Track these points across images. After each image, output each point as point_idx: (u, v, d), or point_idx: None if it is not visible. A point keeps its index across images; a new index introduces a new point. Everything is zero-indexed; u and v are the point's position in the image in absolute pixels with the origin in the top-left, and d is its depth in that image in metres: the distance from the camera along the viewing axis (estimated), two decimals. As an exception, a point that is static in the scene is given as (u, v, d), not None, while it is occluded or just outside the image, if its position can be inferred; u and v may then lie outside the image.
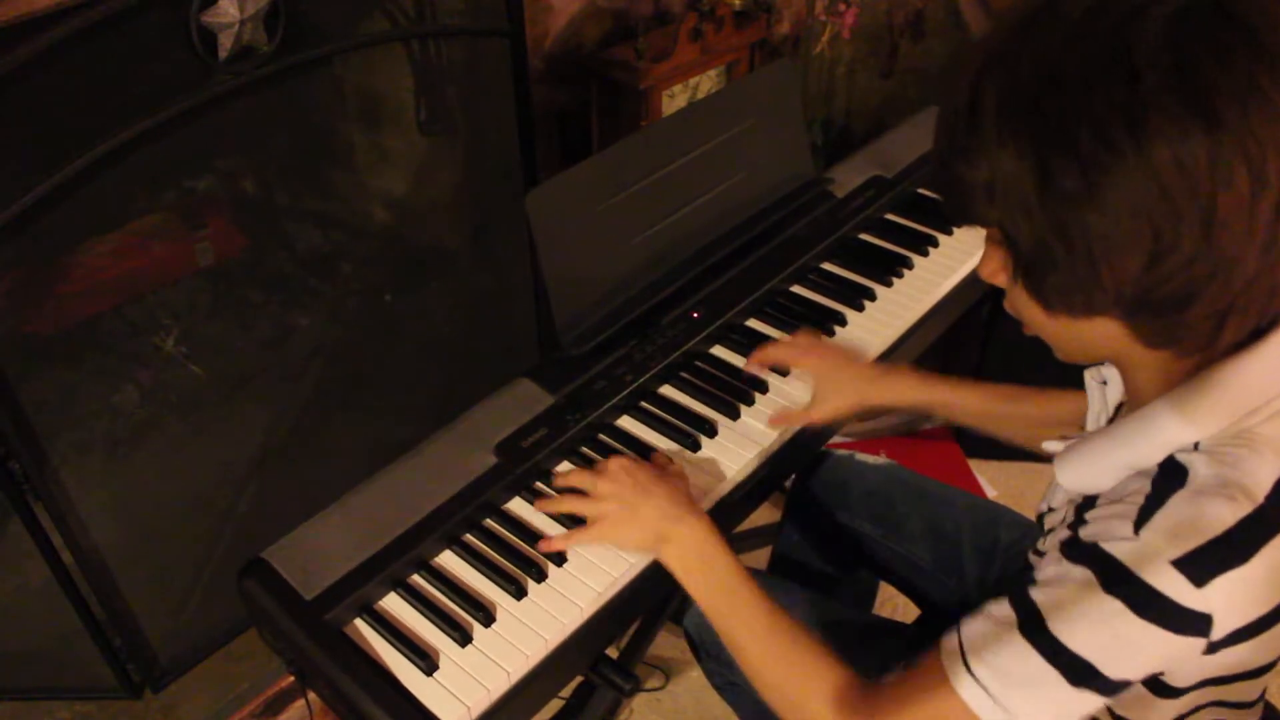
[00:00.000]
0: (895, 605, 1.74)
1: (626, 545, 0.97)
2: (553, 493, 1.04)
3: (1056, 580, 0.69)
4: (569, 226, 1.15)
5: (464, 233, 1.77)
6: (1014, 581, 0.73)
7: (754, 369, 1.19)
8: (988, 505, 1.22)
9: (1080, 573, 0.67)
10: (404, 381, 1.70)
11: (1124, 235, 0.61)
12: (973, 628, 0.73)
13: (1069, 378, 0.93)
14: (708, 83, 1.90)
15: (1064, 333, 0.72)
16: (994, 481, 2.03)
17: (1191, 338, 0.67)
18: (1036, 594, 0.70)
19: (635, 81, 1.72)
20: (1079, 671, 0.67)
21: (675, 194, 1.27)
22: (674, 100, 1.84)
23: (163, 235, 1.37)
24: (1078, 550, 0.69)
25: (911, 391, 1.11)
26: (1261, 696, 0.82)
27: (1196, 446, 0.68)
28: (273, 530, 0.98)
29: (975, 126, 0.65)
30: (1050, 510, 0.88)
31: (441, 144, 1.64)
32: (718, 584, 0.89)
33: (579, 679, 1.16)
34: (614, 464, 0.98)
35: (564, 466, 1.09)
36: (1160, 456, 0.70)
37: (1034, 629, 0.68)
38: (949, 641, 0.74)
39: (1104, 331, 0.69)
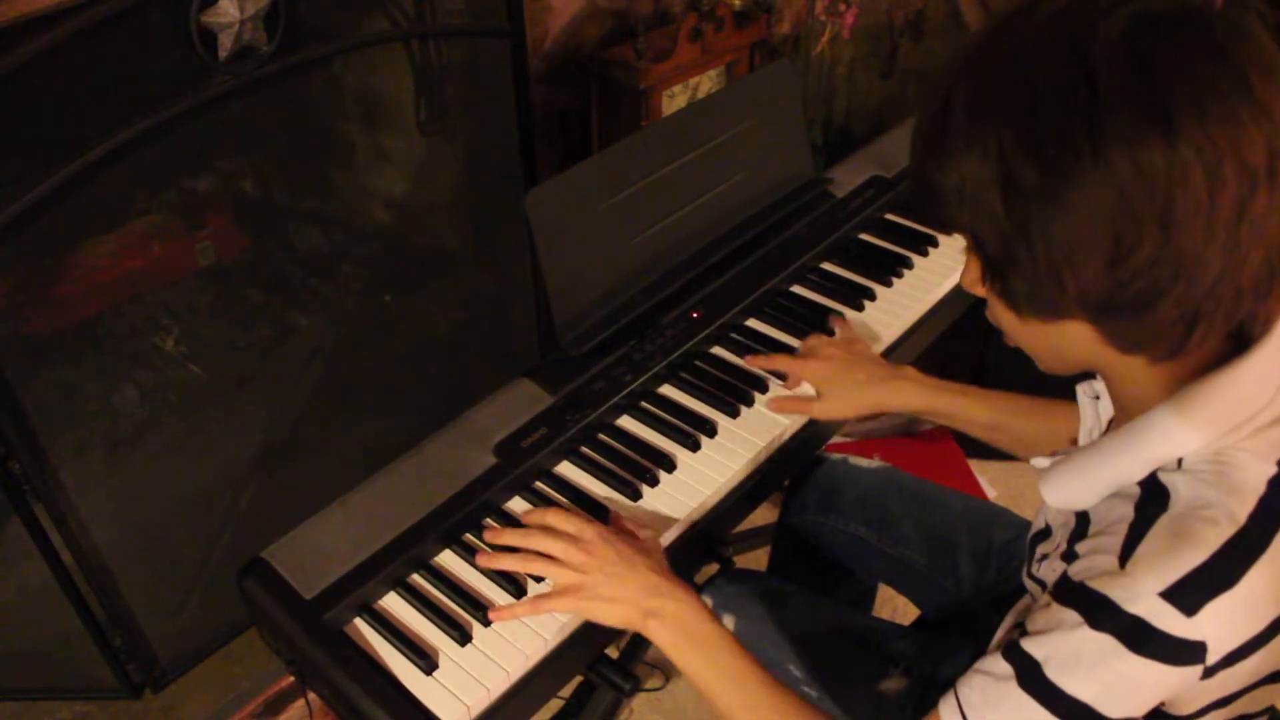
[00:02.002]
0: (895, 606, 1.74)
1: (607, 620, 0.89)
2: (501, 540, 0.94)
3: (1049, 627, 0.68)
4: (569, 226, 1.15)
5: (464, 233, 1.77)
6: (1006, 637, 0.72)
7: (755, 367, 1.18)
8: (983, 506, 1.22)
9: (1071, 616, 0.67)
10: (404, 382, 1.70)
11: (1084, 238, 0.61)
12: (970, 687, 0.73)
13: (1069, 381, 0.93)
14: (708, 83, 1.90)
15: (1039, 340, 0.72)
16: (994, 482, 2.03)
17: (1161, 342, 0.66)
18: (1030, 644, 0.69)
19: (635, 81, 1.72)
20: (1080, 717, 0.67)
21: (675, 194, 1.27)
22: (674, 100, 1.84)
23: (163, 235, 1.37)
24: (1067, 592, 0.69)
25: (916, 397, 1.09)
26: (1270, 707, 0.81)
27: (1180, 464, 0.68)
28: (273, 530, 0.98)
29: (945, 129, 0.65)
30: (1043, 534, 0.87)
31: (441, 144, 1.64)
32: (714, 665, 0.85)
33: (579, 679, 1.16)
34: (590, 532, 0.91)
35: (566, 469, 1.09)
36: (1143, 473, 0.70)
37: (1032, 679, 0.68)
38: (947, 705, 0.74)
39: (1076, 335, 0.69)
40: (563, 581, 0.90)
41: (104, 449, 1.36)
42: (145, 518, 1.40)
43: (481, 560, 0.95)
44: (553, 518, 0.94)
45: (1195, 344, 0.66)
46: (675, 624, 0.87)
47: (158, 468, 1.44)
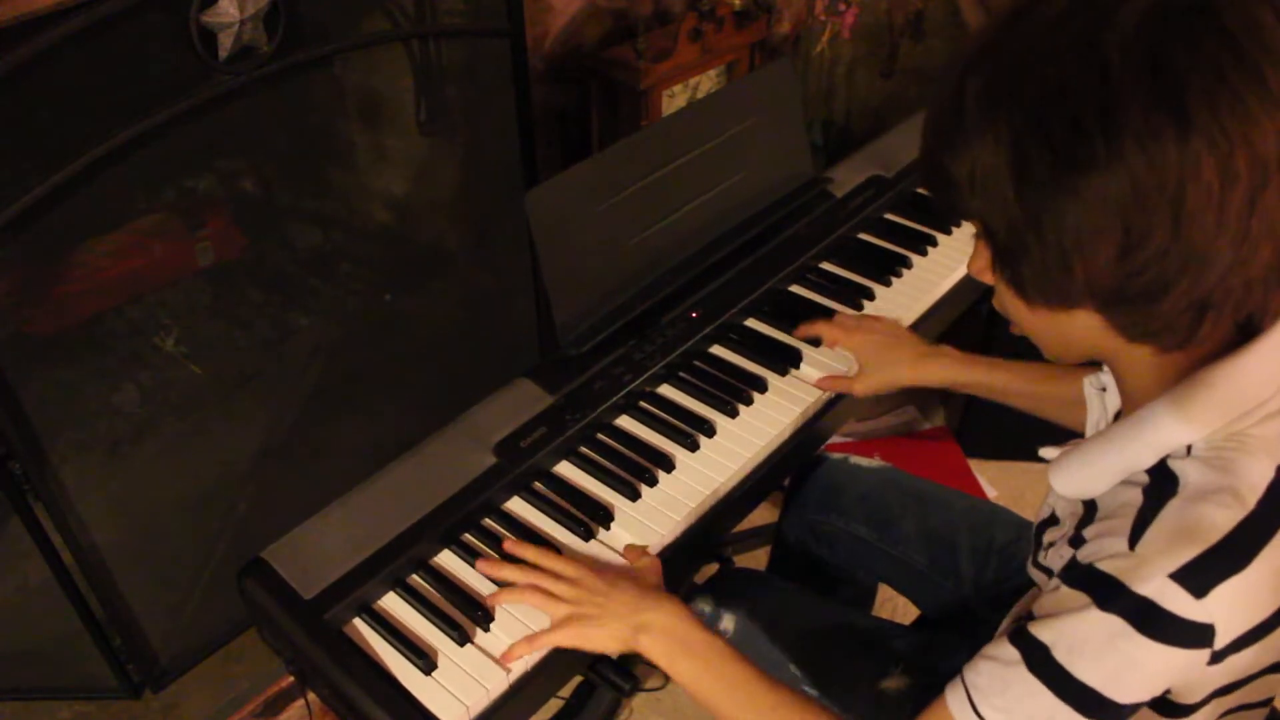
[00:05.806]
0: (895, 606, 1.74)
1: (602, 646, 0.90)
2: (498, 571, 0.96)
3: (1057, 611, 0.68)
4: (569, 226, 1.15)
5: (464, 233, 1.77)
6: (1012, 621, 0.73)
7: (798, 335, 1.22)
8: (983, 506, 1.22)
9: (1080, 598, 0.67)
10: (404, 381, 1.70)
11: (1095, 227, 0.62)
12: (977, 673, 0.73)
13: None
14: (708, 83, 1.90)
15: (1047, 328, 0.72)
16: (994, 482, 2.03)
17: (1170, 331, 0.67)
18: (1038, 628, 0.69)
19: (635, 81, 1.72)
20: (1088, 702, 0.66)
21: (675, 194, 1.27)
22: (674, 100, 1.84)
23: (163, 235, 1.37)
24: (1075, 574, 0.68)
25: (955, 372, 1.12)
26: (1271, 699, 0.81)
27: (1189, 451, 0.68)
28: (273, 530, 0.98)
29: (958, 117, 0.65)
30: (1050, 521, 0.87)
31: (441, 144, 1.65)
32: (709, 670, 0.85)
33: (579, 679, 1.16)
34: (573, 569, 0.92)
35: (565, 469, 1.09)
36: (1153, 459, 0.70)
37: (1039, 662, 0.68)
38: (954, 692, 0.74)
39: (1084, 324, 0.69)
40: (556, 615, 0.91)
41: (104, 449, 1.36)
42: (145, 518, 1.40)
43: (490, 598, 0.95)
44: (533, 554, 0.95)
45: (1204, 334, 0.66)
46: (665, 634, 0.87)
47: (158, 467, 1.44)
